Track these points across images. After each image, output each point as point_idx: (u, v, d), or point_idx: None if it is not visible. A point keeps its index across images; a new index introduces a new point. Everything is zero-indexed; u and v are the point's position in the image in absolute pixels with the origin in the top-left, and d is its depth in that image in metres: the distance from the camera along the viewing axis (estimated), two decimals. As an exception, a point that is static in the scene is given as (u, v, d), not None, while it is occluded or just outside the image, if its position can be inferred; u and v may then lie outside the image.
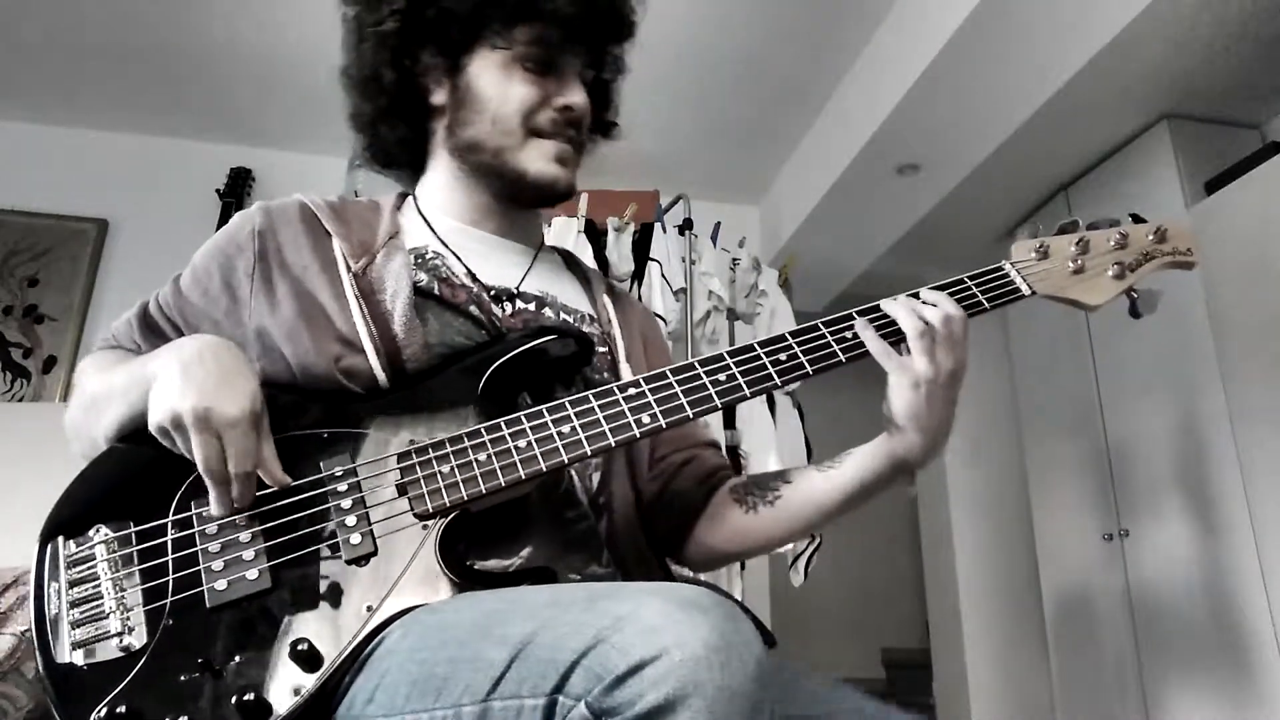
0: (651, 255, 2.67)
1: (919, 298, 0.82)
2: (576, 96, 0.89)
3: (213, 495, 0.68)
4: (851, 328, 0.80)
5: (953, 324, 0.78)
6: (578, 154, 0.92)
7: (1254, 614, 2.20)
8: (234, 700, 0.59)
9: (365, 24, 0.89)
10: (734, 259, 2.93)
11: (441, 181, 0.93)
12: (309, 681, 0.61)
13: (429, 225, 0.92)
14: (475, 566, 0.71)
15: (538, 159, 0.88)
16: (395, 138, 0.93)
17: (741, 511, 0.88)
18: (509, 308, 0.88)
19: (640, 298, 2.60)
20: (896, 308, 0.80)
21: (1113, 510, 2.74)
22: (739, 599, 1.04)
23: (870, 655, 4.41)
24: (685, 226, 2.78)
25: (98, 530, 0.68)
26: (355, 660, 0.62)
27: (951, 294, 0.82)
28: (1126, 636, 2.64)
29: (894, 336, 0.80)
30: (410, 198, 0.97)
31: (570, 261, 1.04)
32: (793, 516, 0.86)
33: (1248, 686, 2.20)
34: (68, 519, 0.69)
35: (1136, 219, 0.91)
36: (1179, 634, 2.45)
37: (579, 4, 0.87)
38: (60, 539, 0.68)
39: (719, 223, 3.05)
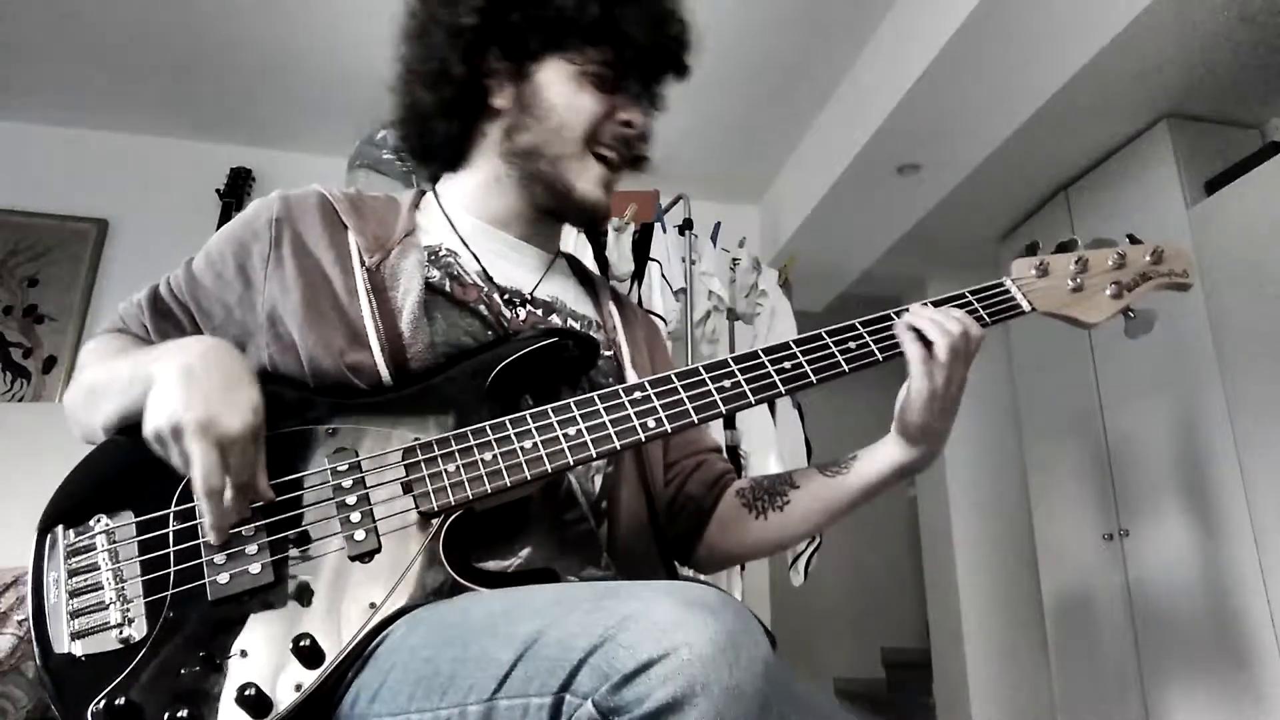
0: (651, 255, 2.67)
1: (909, 312, 0.83)
2: (638, 114, 0.92)
3: (206, 509, 0.65)
4: (856, 338, 0.82)
5: (971, 341, 0.81)
6: (618, 180, 0.94)
7: (1254, 614, 2.20)
8: (234, 695, 0.58)
9: (440, 16, 0.89)
10: (734, 259, 2.93)
11: (479, 182, 0.93)
12: (310, 677, 0.60)
13: (450, 222, 0.92)
14: (477, 566, 0.71)
15: (588, 180, 0.90)
16: (445, 133, 0.92)
17: (752, 517, 0.91)
18: (520, 312, 0.89)
19: (640, 298, 2.60)
20: (924, 322, 0.81)
21: (1113, 510, 2.74)
22: (739, 599, 1.05)
23: (870, 655, 4.40)
24: (685, 226, 2.79)
25: (98, 520, 0.67)
26: (358, 657, 0.62)
27: (953, 309, 0.84)
28: (1126, 636, 2.64)
29: (891, 349, 0.82)
30: (430, 195, 0.97)
31: (577, 268, 1.05)
32: (801, 520, 0.89)
33: (1247, 686, 2.20)
34: (68, 508, 0.69)
35: (1133, 240, 0.94)
36: (1179, 634, 2.45)
37: (654, 35, 0.90)
38: (60, 528, 0.67)
39: (719, 223, 3.05)
